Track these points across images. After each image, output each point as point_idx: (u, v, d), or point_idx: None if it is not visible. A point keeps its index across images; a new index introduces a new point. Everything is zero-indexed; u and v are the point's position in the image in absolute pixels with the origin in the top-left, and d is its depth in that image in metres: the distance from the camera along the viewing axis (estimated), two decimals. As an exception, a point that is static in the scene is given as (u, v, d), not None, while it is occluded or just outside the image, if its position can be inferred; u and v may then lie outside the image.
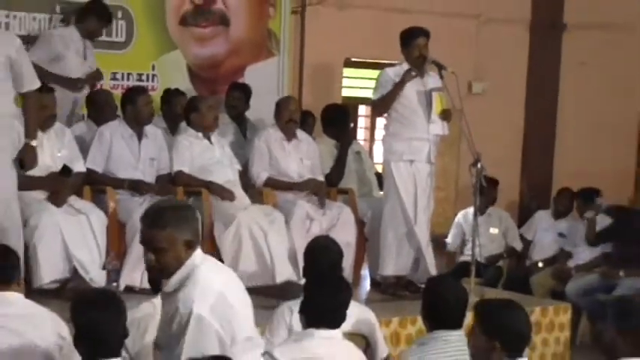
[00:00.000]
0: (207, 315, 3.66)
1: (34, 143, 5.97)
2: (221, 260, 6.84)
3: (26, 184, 6.36)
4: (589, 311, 8.11)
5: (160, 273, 3.79)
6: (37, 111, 6.13)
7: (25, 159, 5.95)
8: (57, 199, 6.40)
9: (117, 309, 3.83)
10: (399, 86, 6.97)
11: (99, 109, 7.32)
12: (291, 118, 7.46)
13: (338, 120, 8.12)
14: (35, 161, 6.04)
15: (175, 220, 3.73)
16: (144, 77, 8.21)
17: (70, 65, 7.48)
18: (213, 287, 3.76)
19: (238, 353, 3.71)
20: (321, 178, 7.60)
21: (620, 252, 8.53)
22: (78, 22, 7.63)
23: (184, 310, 3.66)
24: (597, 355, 4.14)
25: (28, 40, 7.50)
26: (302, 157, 7.52)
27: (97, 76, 7.71)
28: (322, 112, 8.21)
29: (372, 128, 10.20)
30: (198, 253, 3.79)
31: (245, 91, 8.08)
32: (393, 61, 7.23)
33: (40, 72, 7.32)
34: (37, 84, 6.00)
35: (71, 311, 3.91)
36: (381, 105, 7.14)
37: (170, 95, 7.76)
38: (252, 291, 6.61)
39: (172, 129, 7.50)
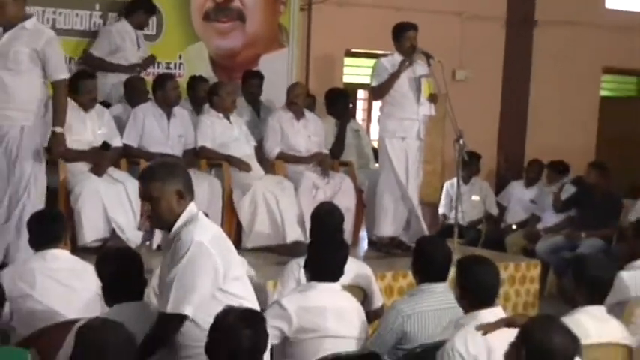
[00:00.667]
0: (207, 243, 3.59)
1: (58, 130, 5.71)
2: (239, 223, 6.89)
3: (72, 157, 6.37)
4: (555, 267, 8.12)
5: (157, 222, 3.74)
6: (68, 98, 5.90)
7: (51, 146, 5.72)
8: (98, 170, 6.40)
9: (131, 262, 3.94)
10: (395, 75, 6.91)
11: (133, 93, 7.30)
12: (292, 100, 7.45)
13: (339, 102, 8.10)
14: (62, 147, 5.79)
15: (164, 174, 3.69)
16: (172, 65, 8.17)
17: (128, 54, 7.55)
18: (211, 228, 3.73)
19: (234, 288, 3.66)
20: (326, 152, 7.60)
21: (581, 217, 8.55)
22: (127, 16, 7.63)
23: (186, 240, 3.57)
24: (561, 304, 4.16)
25: (92, 35, 7.62)
26: (310, 134, 7.51)
27: (151, 60, 7.78)
28: (325, 95, 8.20)
29: (369, 110, 10.16)
30: (193, 205, 3.73)
31: (260, 78, 8.06)
32: (387, 52, 7.19)
33: (102, 63, 7.41)
34: (64, 74, 5.75)
35: (95, 266, 4.05)
36: (379, 91, 7.09)
37: (195, 81, 7.73)
38: (265, 249, 6.79)
39: (197, 110, 7.48)
